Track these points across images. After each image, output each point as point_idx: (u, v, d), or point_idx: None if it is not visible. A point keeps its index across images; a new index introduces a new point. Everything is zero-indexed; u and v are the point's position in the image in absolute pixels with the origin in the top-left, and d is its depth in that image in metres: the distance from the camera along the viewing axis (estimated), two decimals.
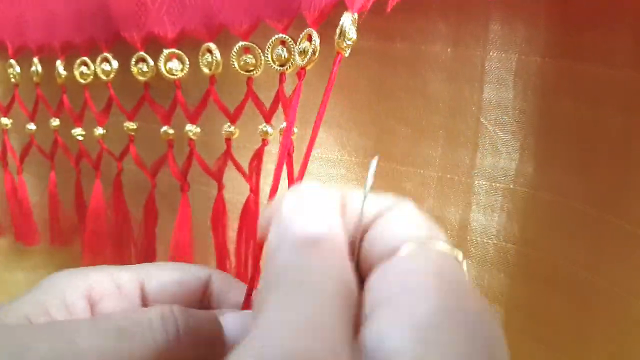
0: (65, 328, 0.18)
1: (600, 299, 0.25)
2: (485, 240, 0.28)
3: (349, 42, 0.21)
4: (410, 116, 0.28)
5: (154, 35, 0.28)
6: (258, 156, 0.28)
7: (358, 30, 0.22)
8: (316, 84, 0.27)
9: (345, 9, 0.21)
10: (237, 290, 0.24)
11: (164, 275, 0.23)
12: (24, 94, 0.37)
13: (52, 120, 0.35)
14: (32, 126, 0.37)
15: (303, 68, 0.24)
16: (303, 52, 0.23)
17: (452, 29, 0.26)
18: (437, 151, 0.28)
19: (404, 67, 0.27)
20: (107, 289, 0.22)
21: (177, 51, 0.29)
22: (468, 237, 0.29)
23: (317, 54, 0.23)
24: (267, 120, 0.27)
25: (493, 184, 0.28)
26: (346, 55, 0.22)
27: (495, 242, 0.28)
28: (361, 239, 0.17)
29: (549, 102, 0.25)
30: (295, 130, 0.26)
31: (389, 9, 0.22)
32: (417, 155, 0.28)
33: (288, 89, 0.26)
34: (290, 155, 0.25)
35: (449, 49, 0.26)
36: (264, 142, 0.28)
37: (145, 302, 0.22)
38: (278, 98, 0.26)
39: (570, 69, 0.24)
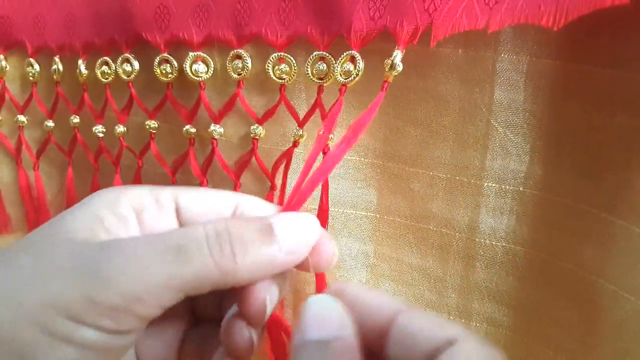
0: (130, 251, 0.20)
1: (609, 302, 0.25)
2: (494, 243, 0.28)
3: (396, 73, 0.24)
4: (419, 117, 0.28)
5: (179, 38, 0.29)
6: (287, 156, 0.29)
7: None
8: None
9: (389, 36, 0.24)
10: (266, 210, 0.25)
11: (197, 194, 0.25)
12: (41, 92, 0.38)
13: (72, 117, 0.36)
14: (50, 123, 0.38)
15: (344, 85, 0.26)
16: (345, 73, 0.26)
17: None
18: (447, 153, 0.28)
19: (414, 68, 0.27)
20: (148, 202, 0.24)
21: (202, 54, 0.29)
22: (477, 240, 0.29)
23: (360, 76, 0.26)
24: (301, 125, 0.29)
25: (502, 186, 0.27)
26: (391, 81, 0.25)
27: (504, 244, 0.28)
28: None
29: (560, 104, 0.25)
30: (331, 136, 0.28)
31: (432, 45, 0.23)
32: (426, 156, 0.28)
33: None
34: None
35: (459, 50, 0.26)
36: (295, 144, 0.29)
37: (179, 216, 0.24)
38: (315, 107, 0.28)
39: (581, 72, 0.24)
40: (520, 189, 0.27)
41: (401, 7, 0.24)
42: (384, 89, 0.25)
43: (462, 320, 0.30)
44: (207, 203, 0.24)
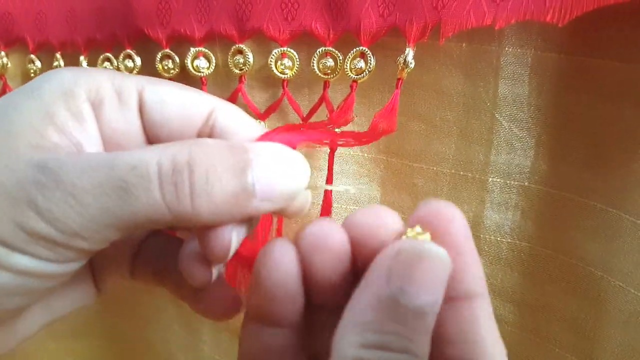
0: (68, 182, 0.17)
1: (615, 299, 0.25)
2: (498, 239, 0.28)
3: (408, 70, 0.25)
4: (423, 112, 0.28)
5: (180, 33, 0.29)
6: None
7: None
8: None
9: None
10: (247, 125, 0.21)
11: (166, 90, 0.21)
12: None
13: None
14: None
15: (355, 81, 0.27)
16: (356, 70, 0.26)
17: None
18: (451, 148, 0.28)
19: (417, 62, 0.27)
20: (108, 94, 0.20)
21: (204, 49, 0.29)
22: (481, 235, 0.28)
23: (371, 72, 0.26)
24: (305, 120, 0.28)
25: (507, 182, 0.27)
26: (404, 78, 0.26)
27: (509, 240, 0.28)
28: None
29: (565, 98, 0.25)
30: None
31: (441, 42, 0.24)
32: (430, 151, 0.28)
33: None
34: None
35: (463, 44, 0.26)
36: None
37: (143, 115, 0.21)
38: (321, 102, 0.28)
39: (586, 65, 0.24)
40: (526, 184, 0.27)
41: (410, 4, 0.24)
42: (399, 86, 0.25)
43: None
44: (176, 103, 0.20)
